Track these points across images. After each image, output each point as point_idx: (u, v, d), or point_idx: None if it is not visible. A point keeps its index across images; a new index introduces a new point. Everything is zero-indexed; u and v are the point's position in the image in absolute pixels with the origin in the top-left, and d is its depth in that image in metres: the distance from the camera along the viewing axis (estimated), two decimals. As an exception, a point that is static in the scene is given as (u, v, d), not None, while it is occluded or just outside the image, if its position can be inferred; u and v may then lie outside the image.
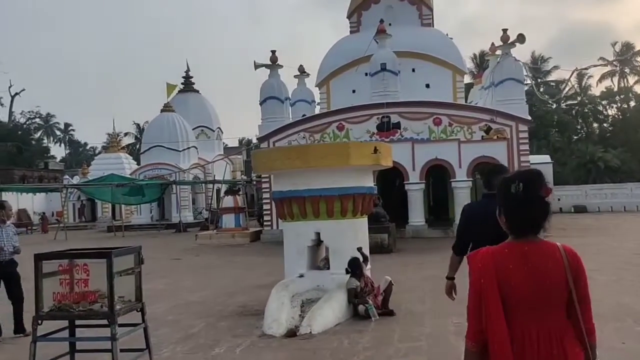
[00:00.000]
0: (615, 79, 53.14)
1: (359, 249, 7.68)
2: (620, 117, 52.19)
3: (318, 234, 8.14)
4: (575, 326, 2.19)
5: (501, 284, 2.15)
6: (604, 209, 32.40)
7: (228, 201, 22.53)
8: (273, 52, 22.21)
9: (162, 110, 37.93)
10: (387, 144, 8.50)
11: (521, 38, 19.58)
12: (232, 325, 7.39)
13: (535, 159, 23.90)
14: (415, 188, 20.19)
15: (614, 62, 51.39)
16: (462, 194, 20.02)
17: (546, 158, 34.91)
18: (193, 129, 39.45)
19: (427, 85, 24.02)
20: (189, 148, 37.29)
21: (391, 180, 21.80)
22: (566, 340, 2.16)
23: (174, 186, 33.21)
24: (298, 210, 7.99)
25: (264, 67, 22.05)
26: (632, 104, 51.92)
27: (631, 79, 52.80)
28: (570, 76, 24.58)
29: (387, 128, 20.23)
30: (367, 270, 8.08)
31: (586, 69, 37.33)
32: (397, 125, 20.25)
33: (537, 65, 48.15)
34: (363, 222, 8.46)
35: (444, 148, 19.86)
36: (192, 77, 44.57)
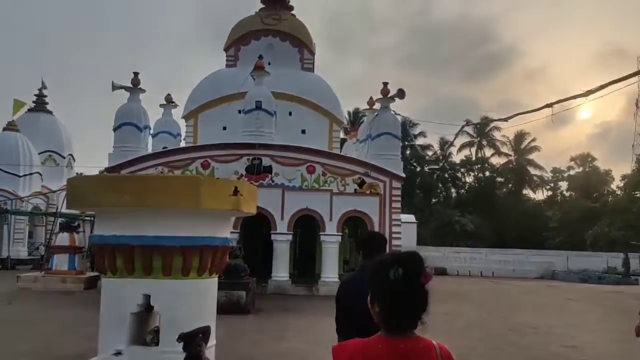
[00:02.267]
0: (474, 149, 56.77)
1: (200, 332, 5.58)
2: (476, 185, 55.50)
3: (148, 297, 5.94)
4: None
5: None
6: (463, 273, 33.13)
7: (63, 239, 19.14)
8: (136, 74, 19.78)
9: (4, 129, 33.25)
10: (251, 185, 6.57)
11: (401, 93, 19.21)
12: None
13: (403, 217, 23.55)
14: (282, 239, 18.58)
15: (473, 134, 55.09)
16: (331, 249, 18.81)
17: (412, 218, 35.37)
18: (40, 153, 35.10)
19: (303, 131, 22.92)
20: (31, 174, 32.79)
21: (256, 227, 19.99)
22: None
23: (9, 216, 28.62)
24: (123, 263, 5.81)
25: (123, 89, 19.48)
26: (487, 173, 55.53)
27: (487, 151, 56.75)
28: (459, 132, 24.68)
29: (257, 171, 18.57)
30: (211, 347, 5.96)
31: (463, 129, 38.75)
32: (269, 169, 18.68)
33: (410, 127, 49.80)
34: (212, 283, 6.42)
35: (315, 198, 18.59)
36: (46, 97, 40.00)
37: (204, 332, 5.73)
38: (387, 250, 3.56)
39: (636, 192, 42.16)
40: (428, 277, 1.91)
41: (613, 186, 54.68)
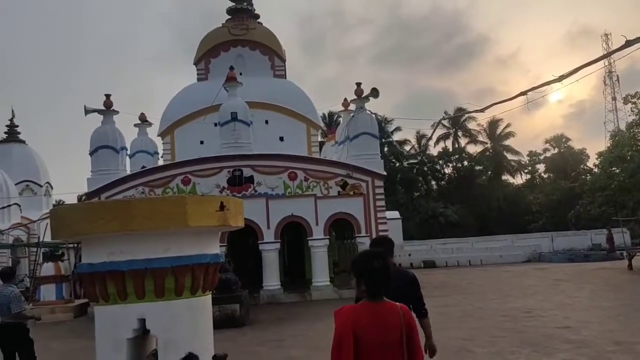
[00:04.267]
0: (450, 141, 57.25)
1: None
2: (456, 175, 55.95)
3: (143, 320, 5.88)
4: None
5: (356, 332, 2.99)
6: (451, 264, 33.35)
7: (48, 268, 18.82)
8: (107, 96, 19.54)
9: (-22, 162, 32.59)
10: (237, 198, 6.53)
11: (375, 92, 19.31)
12: None
13: (387, 215, 23.67)
14: (270, 248, 18.53)
15: (449, 126, 55.57)
16: (319, 253, 18.79)
17: (396, 214, 35.52)
18: (16, 184, 34.45)
19: (282, 138, 22.92)
20: (10, 205, 32.15)
21: (243, 238, 19.91)
22: None
23: (-11, 250, 28.05)
24: (115, 289, 5.75)
25: (95, 113, 19.25)
26: (465, 163, 56.02)
27: (463, 141, 57.26)
28: (437, 126, 24.93)
29: (239, 182, 18.51)
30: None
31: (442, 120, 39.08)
32: (250, 180, 18.63)
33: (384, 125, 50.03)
34: (206, 301, 6.37)
35: (300, 204, 18.59)
36: (17, 126, 39.37)
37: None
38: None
39: (612, 168, 42.84)
40: (390, 262, 3.29)
41: (590, 164, 55.61)
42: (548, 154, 57.56)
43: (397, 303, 3.16)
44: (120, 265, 5.68)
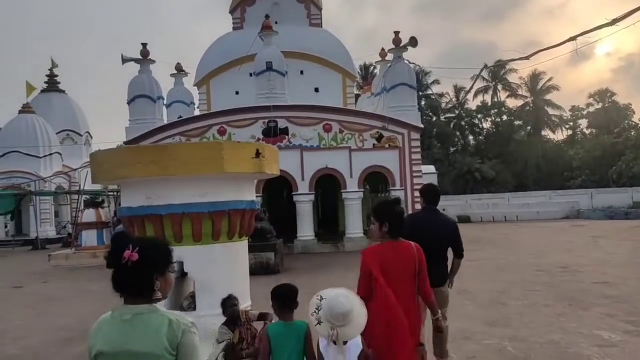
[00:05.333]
0: (489, 95, 55.78)
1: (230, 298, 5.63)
2: (494, 130, 54.73)
3: (181, 263, 6.00)
4: (420, 289, 3.90)
5: (382, 266, 3.74)
6: (486, 219, 33.04)
7: (89, 215, 19.43)
8: (144, 45, 19.58)
9: (20, 112, 33.43)
10: (272, 146, 6.51)
11: (413, 41, 18.76)
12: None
13: (422, 169, 23.42)
14: (305, 199, 18.63)
15: (488, 79, 53.99)
16: (353, 206, 18.83)
17: (431, 168, 35.11)
18: (57, 133, 35.33)
19: (317, 89, 22.68)
20: (51, 154, 33.12)
21: (278, 189, 20.06)
22: (414, 296, 3.89)
23: (33, 197, 29.04)
24: (153, 232, 5.83)
25: (133, 62, 19.34)
26: (504, 117, 54.65)
27: (503, 95, 55.73)
28: (477, 76, 24.15)
29: (274, 133, 18.49)
30: (247, 307, 6.04)
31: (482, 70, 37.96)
32: (285, 131, 18.59)
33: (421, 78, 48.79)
34: (242, 246, 6.46)
35: (334, 156, 18.52)
36: (57, 76, 39.98)
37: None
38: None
39: (659, 124, 41.19)
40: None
41: (635, 119, 53.63)
42: (591, 109, 55.65)
43: (412, 242, 3.88)
44: (158, 209, 5.78)
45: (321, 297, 3.54)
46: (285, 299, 4.00)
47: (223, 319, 5.59)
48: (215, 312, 5.72)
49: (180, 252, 5.89)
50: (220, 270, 5.99)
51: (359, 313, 3.43)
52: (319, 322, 3.46)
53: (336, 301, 3.40)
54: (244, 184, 6.38)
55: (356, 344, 3.50)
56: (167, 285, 2.26)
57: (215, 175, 5.83)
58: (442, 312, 4.48)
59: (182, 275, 6.19)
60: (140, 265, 2.10)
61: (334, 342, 3.41)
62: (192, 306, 6.12)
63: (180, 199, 5.78)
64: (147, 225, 5.89)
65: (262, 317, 5.44)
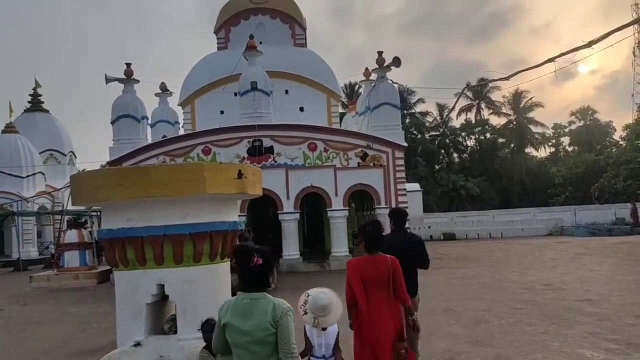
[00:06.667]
0: (472, 114, 56.41)
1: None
2: (478, 147, 55.28)
3: (162, 286, 5.95)
4: (396, 296, 4.68)
5: (361, 276, 4.63)
6: (471, 236, 33.18)
7: (71, 236, 19.18)
8: (128, 64, 19.55)
9: (2, 132, 33.17)
10: (255, 167, 6.51)
11: (397, 61, 18.97)
12: None
13: (407, 187, 23.54)
14: (290, 218, 18.58)
15: (472, 97, 54.65)
16: (339, 224, 18.82)
17: (416, 186, 35.32)
18: (41, 153, 35.01)
19: (302, 109, 22.77)
20: (34, 174, 32.76)
21: (263, 208, 20.00)
22: (393, 302, 4.67)
23: (16, 217, 28.65)
24: (134, 255, 5.80)
25: (117, 82, 19.29)
26: (488, 135, 55.24)
27: (486, 112, 56.39)
28: (460, 95, 24.39)
29: (259, 152, 18.48)
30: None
31: (470, 87, 38.28)
32: (270, 150, 18.60)
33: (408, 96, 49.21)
34: (224, 267, 6.41)
35: (319, 175, 18.54)
36: (41, 96, 39.70)
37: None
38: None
39: (639, 141, 41.84)
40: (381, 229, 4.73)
41: (616, 137, 54.47)
42: (573, 127, 56.48)
43: (388, 255, 4.74)
44: (138, 231, 5.71)
45: (308, 294, 4.57)
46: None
47: (204, 342, 5.51)
48: (197, 335, 5.65)
49: (161, 275, 5.83)
50: (202, 292, 5.91)
51: (337, 306, 4.44)
52: (305, 313, 4.49)
53: (318, 297, 4.42)
54: (226, 204, 6.34)
55: (334, 329, 4.54)
56: (274, 279, 3.84)
57: (197, 197, 5.80)
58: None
59: (163, 298, 6.12)
60: (263, 267, 3.17)
61: (317, 328, 4.47)
62: (172, 329, 6.04)
63: (161, 220, 5.72)
64: (128, 248, 5.82)
65: None
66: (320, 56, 24.91)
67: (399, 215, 6.28)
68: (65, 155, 38.63)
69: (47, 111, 39.51)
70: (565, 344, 7.21)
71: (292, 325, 3.12)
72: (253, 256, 3.18)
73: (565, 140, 58.15)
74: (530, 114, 54.55)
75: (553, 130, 57.72)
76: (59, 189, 32.69)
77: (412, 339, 5.72)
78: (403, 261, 5.21)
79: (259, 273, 3.17)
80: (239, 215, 7.19)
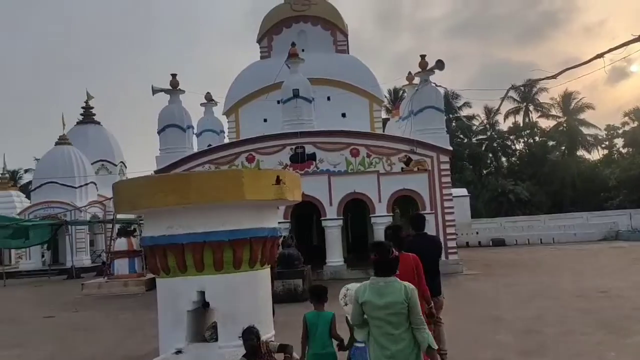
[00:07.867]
0: (520, 116, 55.00)
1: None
2: (527, 151, 53.83)
3: (202, 293, 5.95)
4: (417, 285, 4.69)
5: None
6: (521, 242, 32.22)
7: (121, 244, 19.67)
8: (174, 75, 19.99)
9: (56, 143, 34.40)
10: (294, 173, 6.46)
11: (440, 64, 18.68)
12: None
13: (454, 192, 23.13)
14: (333, 224, 18.49)
15: (518, 100, 53.29)
16: (382, 230, 18.50)
17: (463, 191, 34.61)
18: (92, 164, 36.10)
19: (344, 115, 22.72)
20: (87, 184, 33.81)
21: (307, 215, 19.98)
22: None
23: (69, 227, 29.64)
24: (175, 262, 5.83)
25: (163, 93, 19.74)
26: (537, 138, 53.73)
27: (534, 115, 54.88)
28: (504, 96, 23.78)
29: (301, 159, 18.49)
30: (270, 338, 5.91)
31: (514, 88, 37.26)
32: (313, 157, 18.58)
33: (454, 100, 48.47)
34: (264, 274, 6.36)
35: (362, 181, 18.38)
36: (92, 108, 41.11)
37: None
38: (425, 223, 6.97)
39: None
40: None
41: (673, 137, 51.98)
42: (627, 128, 54.27)
43: (410, 254, 5.62)
44: (179, 238, 5.74)
45: (347, 288, 5.47)
46: (318, 295, 5.72)
47: (244, 350, 5.46)
48: (238, 342, 5.61)
49: (202, 282, 5.85)
50: (242, 299, 5.89)
51: None
52: (346, 304, 5.30)
53: (357, 290, 4.66)
54: (265, 211, 6.30)
55: None
56: (398, 268, 4.24)
57: (235, 204, 5.77)
58: (437, 315, 6.16)
59: (204, 305, 6.10)
60: (397, 259, 4.17)
61: None
62: (214, 337, 6.03)
63: (201, 227, 5.74)
64: (169, 255, 5.85)
65: (283, 349, 5.31)
66: (361, 61, 24.84)
67: (417, 221, 6.89)
68: (116, 165, 39.81)
69: (98, 123, 40.87)
70: (622, 354, 6.84)
71: (418, 300, 4.04)
72: (391, 251, 4.12)
73: (619, 142, 55.92)
74: (581, 116, 52.76)
75: (606, 132, 55.65)
76: (109, 198, 33.55)
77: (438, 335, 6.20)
78: (427, 263, 5.89)
79: (394, 263, 4.10)
80: (282, 222, 7.16)
